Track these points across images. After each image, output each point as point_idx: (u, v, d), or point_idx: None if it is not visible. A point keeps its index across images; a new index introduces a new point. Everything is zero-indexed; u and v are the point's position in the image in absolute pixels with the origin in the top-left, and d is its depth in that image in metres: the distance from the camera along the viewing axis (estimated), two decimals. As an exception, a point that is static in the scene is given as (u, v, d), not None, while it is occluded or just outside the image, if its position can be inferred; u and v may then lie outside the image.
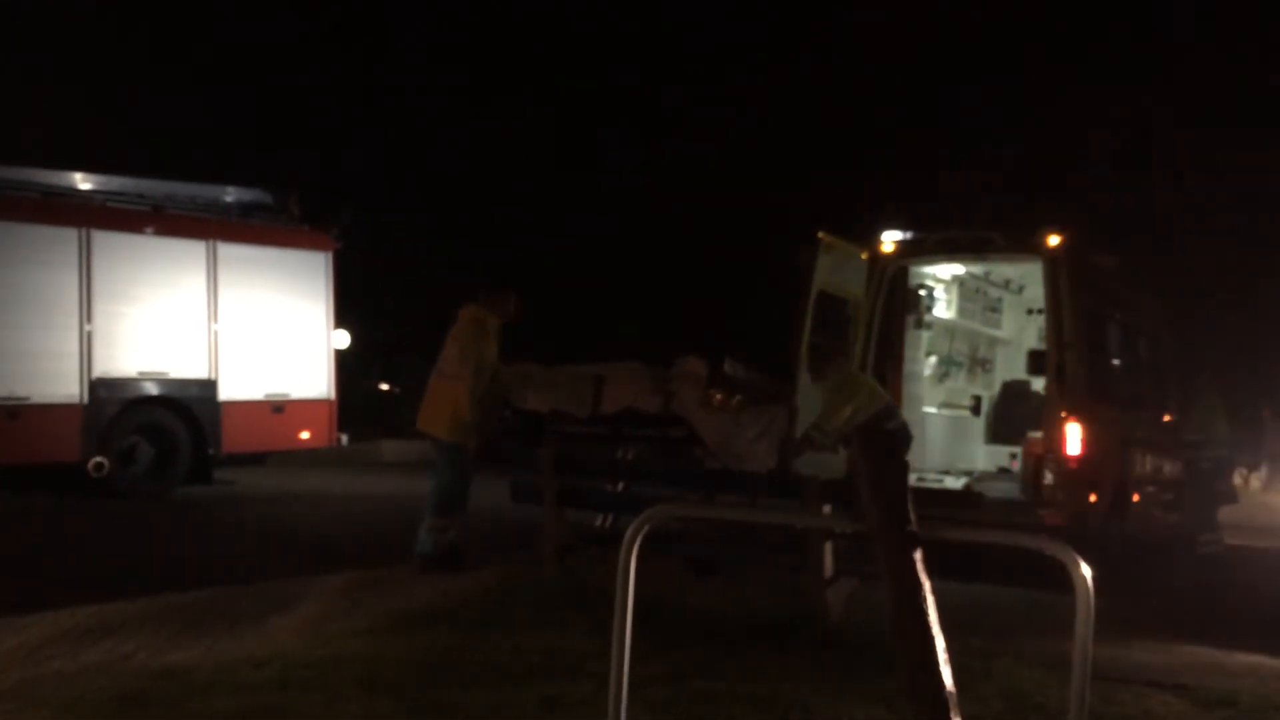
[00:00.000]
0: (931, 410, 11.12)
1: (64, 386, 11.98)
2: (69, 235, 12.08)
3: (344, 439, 15.00)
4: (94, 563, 8.59)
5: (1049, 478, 8.95)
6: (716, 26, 38.13)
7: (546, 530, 8.22)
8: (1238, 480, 14.76)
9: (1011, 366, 11.82)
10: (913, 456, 8.91)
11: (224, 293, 13.24)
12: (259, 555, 9.08)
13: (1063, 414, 8.94)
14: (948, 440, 11.23)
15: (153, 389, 12.75)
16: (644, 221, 29.85)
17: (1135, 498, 9.89)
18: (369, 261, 19.14)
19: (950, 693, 3.63)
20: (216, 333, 13.20)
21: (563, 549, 8.08)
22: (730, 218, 28.28)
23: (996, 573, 7.53)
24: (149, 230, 12.76)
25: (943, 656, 3.66)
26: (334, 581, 7.64)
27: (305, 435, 14.17)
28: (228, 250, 13.31)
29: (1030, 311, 11.87)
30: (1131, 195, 26.32)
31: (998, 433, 11.34)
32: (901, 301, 10.56)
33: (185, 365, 12.97)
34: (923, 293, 10.90)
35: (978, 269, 11.35)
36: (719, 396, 7.64)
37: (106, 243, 12.31)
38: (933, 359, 11.39)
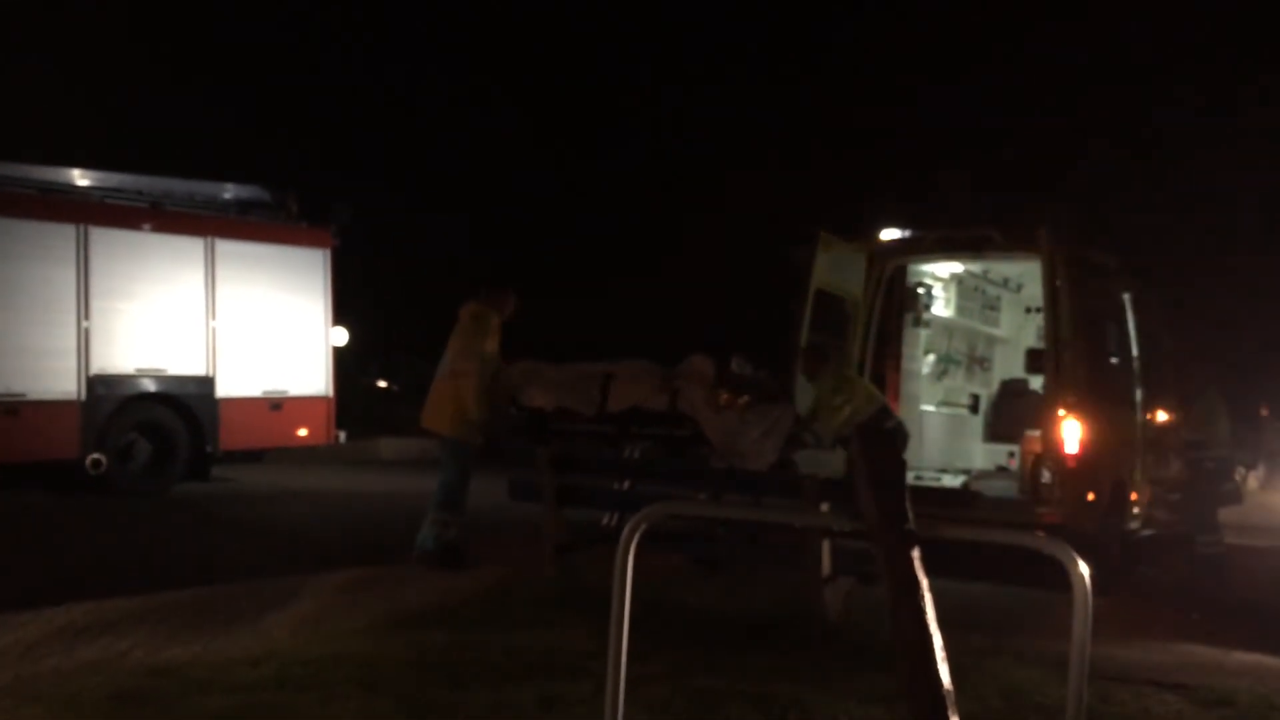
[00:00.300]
0: (929, 408, 11.13)
1: (61, 383, 11.96)
2: (67, 232, 12.05)
3: (342, 436, 14.98)
4: (91, 560, 8.58)
5: (1047, 476, 8.95)
6: (717, 26, 38.14)
7: (545, 529, 8.20)
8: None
9: (1010, 365, 11.82)
10: (910, 455, 8.92)
11: (222, 290, 13.22)
12: (256, 553, 9.07)
13: (1061, 412, 8.94)
14: (946, 439, 11.24)
15: (150, 386, 12.73)
16: (644, 220, 29.87)
17: (1133, 496, 9.90)
18: (368, 259, 19.14)
19: (948, 691, 3.62)
20: (214, 330, 13.18)
21: (562, 548, 8.07)
22: (730, 216, 28.31)
23: (994, 571, 7.53)
24: (147, 227, 12.74)
25: (940, 655, 3.65)
26: (332, 580, 7.63)
27: (303, 432, 14.15)
28: (226, 247, 13.29)
29: (1029, 310, 11.87)
30: (1128, 194, 26.33)
31: (996, 431, 11.35)
32: (900, 300, 10.57)
33: (183, 362, 12.95)
34: (921, 291, 10.91)
35: (976, 267, 11.35)
36: (726, 395, 7.62)
37: (104, 239, 12.28)
38: (931, 357, 11.40)
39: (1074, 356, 9.10)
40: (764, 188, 28.18)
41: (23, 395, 11.66)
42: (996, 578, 7.84)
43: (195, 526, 10.72)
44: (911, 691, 3.68)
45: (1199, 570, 10.83)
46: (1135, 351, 10.44)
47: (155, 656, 5.71)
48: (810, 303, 9.66)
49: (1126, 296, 10.42)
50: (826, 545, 7.02)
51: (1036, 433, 9.35)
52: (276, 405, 13.80)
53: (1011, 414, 11.00)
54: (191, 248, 13.05)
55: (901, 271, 10.50)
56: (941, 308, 11.35)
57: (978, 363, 12.08)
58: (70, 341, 12.02)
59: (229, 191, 14.13)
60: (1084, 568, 3.51)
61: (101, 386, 12.24)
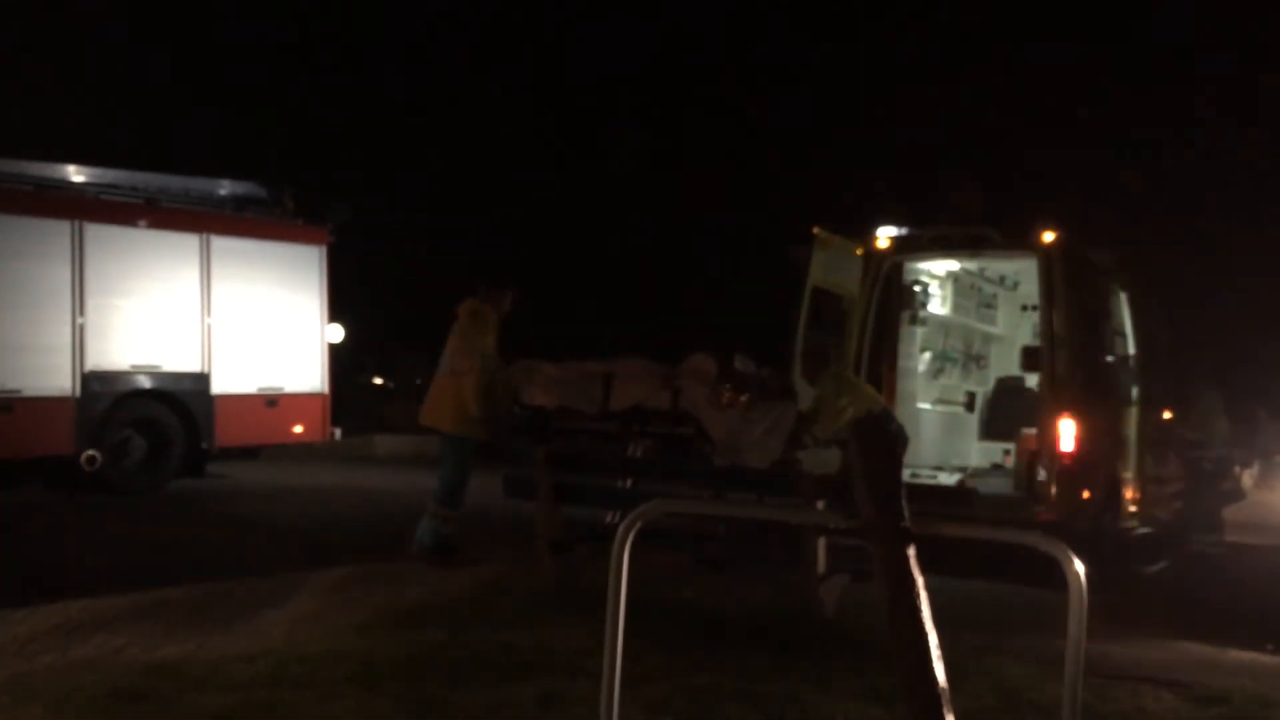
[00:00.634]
0: (925, 406, 11.13)
1: (56, 380, 11.93)
2: (62, 228, 12.02)
3: (337, 433, 14.98)
4: (86, 557, 8.56)
5: (1042, 474, 8.96)
6: (720, 24, 38.14)
7: (542, 527, 8.20)
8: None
9: (1006, 363, 11.82)
10: (906, 452, 8.92)
11: (217, 286, 13.20)
12: (252, 550, 9.06)
13: (1056, 410, 8.95)
14: (941, 436, 11.23)
15: (146, 382, 12.71)
16: (646, 217, 29.86)
17: (1129, 494, 9.90)
18: (364, 255, 19.13)
19: (943, 689, 3.63)
20: (210, 326, 13.16)
21: (558, 546, 8.07)
22: (732, 214, 28.32)
23: (990, 569, 7.53)
24: (142, 223, 12.71)
25: (936, 652, 3.66)
26: (328, 577, 7.63)
27: (299, 429, 14.14)
28: (221, 243, 13.27)
29: (1025, 308, 11.87)
30: (1125, 192, 26.36)
31: (991, 429, 11.35)
32: (896, 297, 10.56)
33: (178, 359, 12.93)
34: (917, 289, 10.90)
35: (972, 265, 11.35)
36: (728, 393, 7.61)
37: (99, 235, 12.26)
38: (927, 355, 11.40)
39: (1070, 355, 9.11)
40: (767, 185, 28.21)
41: (17, 392, 11.63)
42: (992, 575, 7.85)
43: (190, 523, 10.70)
44: (908, 689, 3.69)
45: (1197, 569, 10.84)
46: (1131, 350, 10.44)
47: (151, 654, 5.70)
48: (807, 301, 9.66)
49: (1123, 294, 10.42)
50: (822, 543, 7.03)
51: (1032, 431, 9.35)
52: (272, 402, 13.78)
53: (1007, 412, 11.00)
54: (187, 244, 13.03)
55: (898, 269, 10.50)
56: (938, 305, 11.35)
57: (974, 360, 12.08)
58: (65, 338, 11.99)
59: (225, 188, 14.11)
60: (1079, 565, 3.52)
61: (96, 383, 12.22)
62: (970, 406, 11.61)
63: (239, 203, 14.04)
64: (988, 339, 12.24)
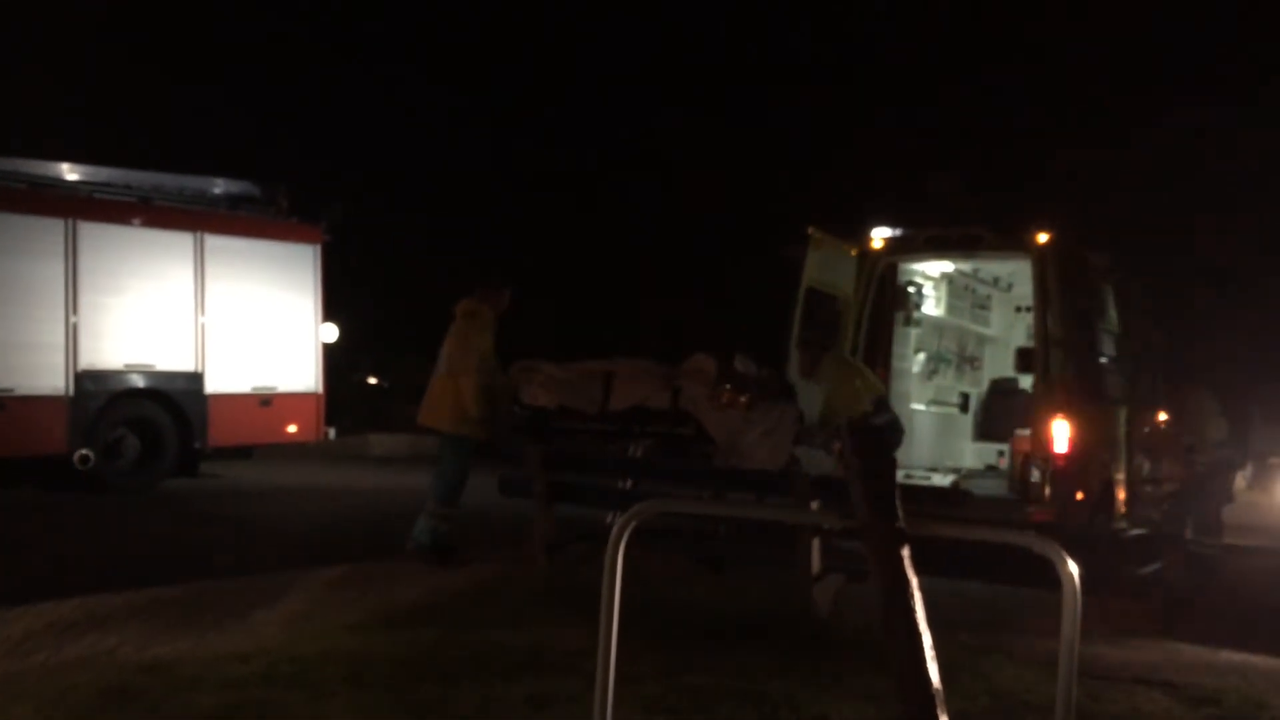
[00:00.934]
0: (920, 407, 11.14)
1: (49, 378, 11.91)
2: (55, 226, 12.00)
3: (331, 433, 14.96)
4: (79, 556, 8.55)
5: (1036, 475, 8.97)
6: (717, 25, 38.16)
7: (536, 527, 8.20)
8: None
9: (1000, 364, 11.84)
10: (901, 453, 8.93)
11: (211, 285, 13.18)
12: (245, 549, 9.05)
13: (1050, 412, 8.96)
14: (936, 437, 11.25)
15: (139, 381, 12.69)
16: (646, 218, 29.86)
17: (1123, 495, 9.92)
18: (358, 254, 19.10)
19: (937, 690, 3.63)
20: (203, 325, 13.14)
21: (553, 545, 8.07)
22: (732, 213, 28.33)
23: (984, 570, 7.54)
24: (136, 222, 12.70)
25: (930, 653, 3.66)
26: (321, 576, 7.62)
27: (292, 429, 14.12)
28: (215, 242, 13.25)
29: (1019, 309, 11.90)
30: (1119, 193, 26.40)
31: (986, 430, 11.36)
32: (890, 298, 10.57)
33: (172, 358, 12.91)
34: (912, 290, 10.92)
35: (967, 266, 11.36)
36: (728, 393, 7.62)
37: (93, 234, 12.24)
38: (921, 356, 11.41)
39: (1064, 356, 9.13)
40: (768, 185, 28.21)
41: (10, 390, 11.61)
42: (986, 576, 7.85)
43: (184, 523, 10.68)
44: (902, 690, 3.69)
45: (1193, 570, 10.86)
46: (1125, 351, 10.46)
47: (144, 653, 5.69)
48: (802, 301, 9.67)
49: (1117, 296, 10.44)
50: (816, 543, 7.03)
51: (1026, 432, 9.36)
52: (266, 401, 13.77)
53: (1001, 413, 11.01)
54: (181, 243, 13.01)
55: (892, 270, 10.51)
56: (932, 307, 11.37)
57: (968, 362, 12.10)
58: (58, 336, 11.97)
59: (219, 186, 14.09)
60: (1073, 566, 3.52)
61: (90, 382, 12.20)
62: (964, 407, 11.63)
63: (233, 201, 14.02)
64: (982, 340, 12.26)
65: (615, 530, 3.93)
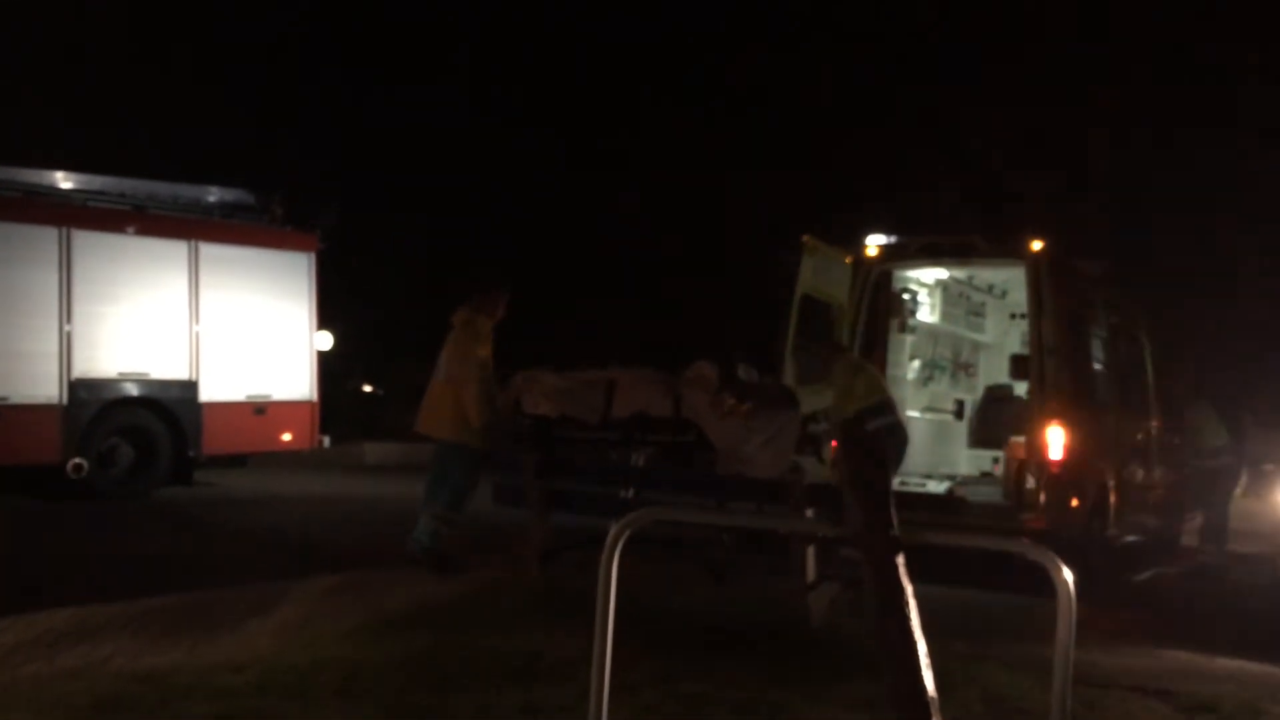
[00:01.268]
0: (915, 414, 11.16)
1: (43, 387, 11.88)
2: (49, 234, 11.97)
3: (326, 441, 14.91)
4: (72, 565, 8.51)
5: (1031, 482, 8.98)
6: (715, 29, 38.23)
7: (531, 534, 8.19)
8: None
9: (994, 371, 11.86)
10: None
11: (206, 293, 13.15)
12: (239, 558, 9.02)
13: (1045, 419, 8.98)
14: (931, 444, 11.26)
15: (133, 390, 12.66)
16: (646, 225, 29.86)
17: (1117, 502, 9.93)
18: (353, 262, 19.08)
19: (932, 697, 3.63)
20: (198, 333, 13.12)
21: (547, 553, 8.06)
22: (735, 220, 28.33)
23: (979, 577, 7.55)
24: (130, 230, 12.66)
25: (925, 661, 3.66)
26: (315, 585, 7.59)
27: (287, 437, 14.09)
28: (210, 250, 13.23)
29: (1013, 316, 11.92)
30: (1113, 200, 26.47)
31: (980, 437, 11.38)
32: (885, 305, 10.59)
33: (166, 366, 12.88)
34: (906, 297, 10.93)
35: (961, 273, 11.38)
36: (730, 401, 7.60)
37: (87, 242, 12.21)
38: (916, 363, 11.42)
39: (1058, 363, 9.14)
40: (768, 192, 28.22)
41: (4, 399, 11.57)
42: (981, 583, 7.86)
43: (177, 531, 10.65)
44: (896, 697, 3.69)
45: (1196, 578, 10.86)
46: (1119, 358, 10.48)
47: (137, 663, 5.67)
48: (796, 308, 9.68)
49: (1109, 303, 10.47)
50: (811, 551, 7.03)
51: (1021, 438, 9.38)
52: (260, 409, 13.74)
53: (996, 420, 11.03)
54: (175, 251, 12.99)
55: (887, 277, 10.53)
56: (927, 314, 11.38)
57: (963, 368, 12.12)
58: (52, 345, 11.94)
59: (213, 195, 14.07)
60: (1068, 573, 3.52)
61: (83, 390, 12.16)
62: (959, 414, 11.64)
63: (227, 209, 14.00)
64: (976, 347, 12.28)
65: (610, 538, 3.93)
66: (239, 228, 13.78)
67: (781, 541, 7.24)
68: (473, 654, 5.90)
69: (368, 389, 28.98)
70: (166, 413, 12.88)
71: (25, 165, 12.64)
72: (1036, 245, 9.33)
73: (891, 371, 10.71)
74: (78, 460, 12.06)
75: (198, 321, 13.10)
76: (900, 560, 3.78)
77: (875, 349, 10.46)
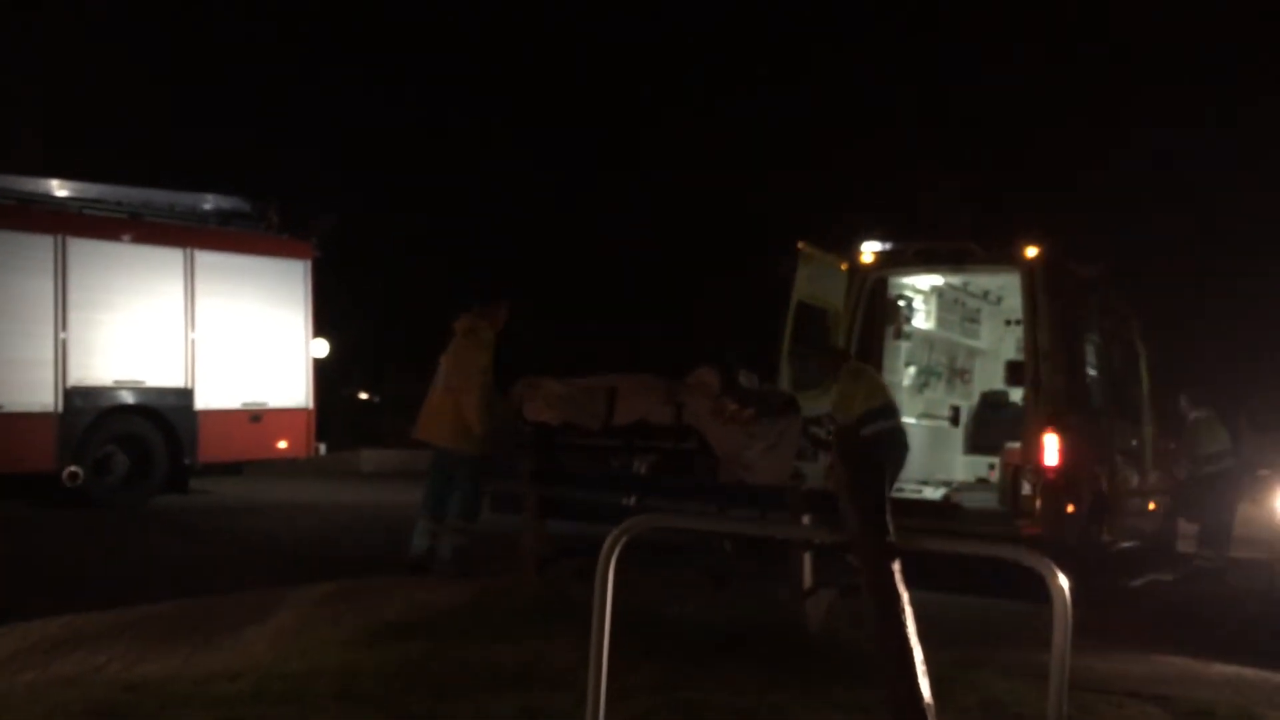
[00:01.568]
0: (910, 420, 11.16)
1: (38, 395, 11.87)
2: (44, 242, 11.97)
3: (322, 448, 14.92)
4: (67, 573, 8.51)
5: (1027, 488, 8.99)
6: (715, 36, 38.30)
7: (527, 541, 8.18)
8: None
9: (990, 377, 11.88)
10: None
11: (201, 301, 13.15)
12: (235, 565, 9.01)
13: (1041, 425, 8.98)
14: (926, 450, 11.26)
15: (129, 398, 12.65)
16: (647, 233, 29.86)
17: (1113, 508, 9.94)
18: (349, 270, 19.07)
19: (929, 703, 3.63)
20: (194, 341, 13.11)
21: (544, 560, 8.05)
22: (736, 227, 28.34)
23: (975, 583, 7.55)
24: (126, 238, 12.67)
25: (921, 667, 3.66)
26: (311, 592, 7.57)
27: (283, 444, 14.08)
28: (205, 258, 13.23)
29: (1008, 322, 11.94)
30: (1109, 205, 26.53)
31: (976, 443, 11.39)
32: (880, 312, 10.61)
33: (162, 374, 12.88)
34: (901, 303, 10.95)
35: (956, 280, 11.40)
36: (732, 407, 7.61)
37: (83, 250, 12.21)
38: (911, 369, 11.44)
39: (1053, 369, 9.16)
40: (768, 198, 28.23)
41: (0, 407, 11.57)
42: (977, 589, 7.86)
43: (173, 539, 10.64)
44: (893, 703, 3.69)
45: (1195, 583, 10.87)
46: (1115, 363, 10.49)
47: (132, 671, 5.66)
48: (792, 315, 9.70)
49: (1106, 307, 10.48)
50: (808, 557, 7.03)
51: (1017, 445, 9.39)
52: (256, 417, 13.73)
53: (992, 426, 11.05)
54: (171, 259, 12.99)
55: (882, 284, 10.55)
56: (922, 320, 11.40)
57: (958, 375, 12.13)
58: (48, 353, 11.93)
59: (209, 202, 14.08)
60: (1063, 580, 3.53)
61: (79, 398, 12.15)
62: (955, 421, 11.65)
63: (223, 217, 14.01)
64: (972, 353, 12.29)
65: (607, 544, 3.93)
66: (235, 235, 13.78)
67: (782, 548, 7.25)
68: (470, 660, 5.90)
69: (364, 396, 28.95)
70: (162, 420, 12.87)
71: (21, 173, 12.63)
72: (1031, 251, 9.35)
73: (887, 378, 10.72)
74: (73, 468, 12.05)
75: (193, 329, 13.10)
76: (897, 566, 3.79)
77: (870, 355, 10.48)
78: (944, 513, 9.52)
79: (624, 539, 3.93)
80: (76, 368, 12.13)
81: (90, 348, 12.24)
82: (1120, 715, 5.53)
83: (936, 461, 11.36)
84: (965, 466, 11.48)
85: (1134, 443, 10.98)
